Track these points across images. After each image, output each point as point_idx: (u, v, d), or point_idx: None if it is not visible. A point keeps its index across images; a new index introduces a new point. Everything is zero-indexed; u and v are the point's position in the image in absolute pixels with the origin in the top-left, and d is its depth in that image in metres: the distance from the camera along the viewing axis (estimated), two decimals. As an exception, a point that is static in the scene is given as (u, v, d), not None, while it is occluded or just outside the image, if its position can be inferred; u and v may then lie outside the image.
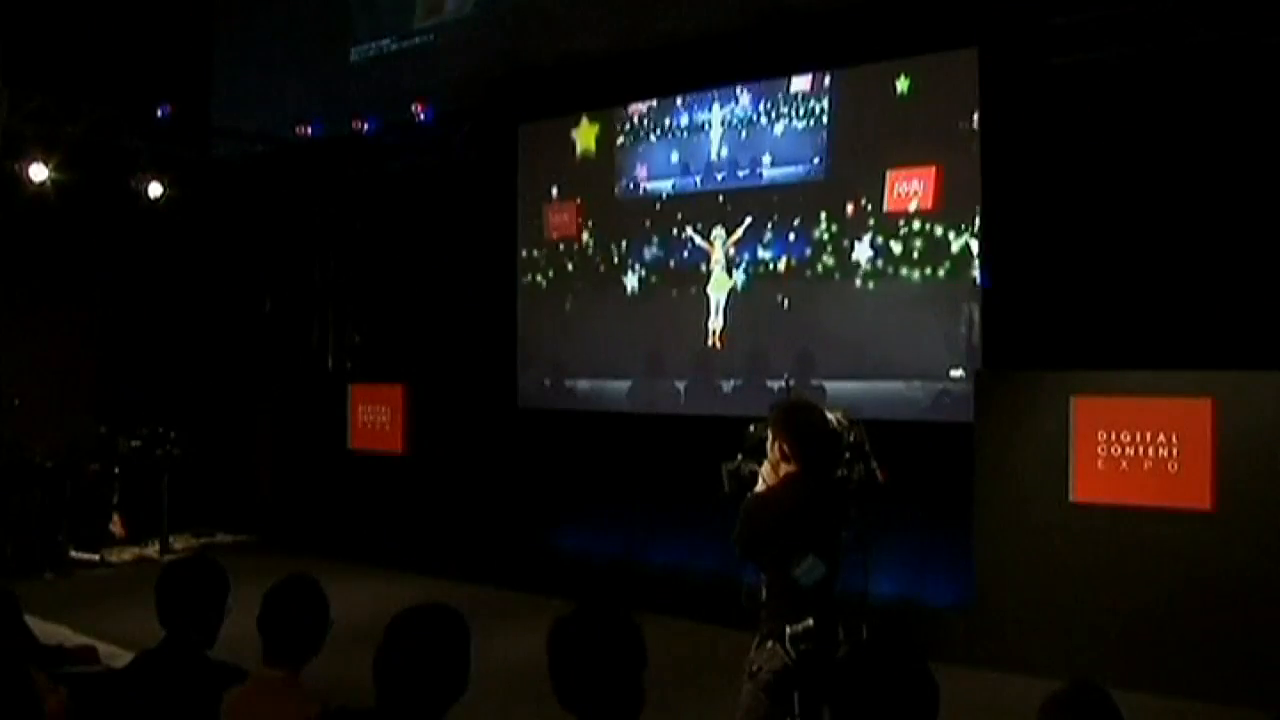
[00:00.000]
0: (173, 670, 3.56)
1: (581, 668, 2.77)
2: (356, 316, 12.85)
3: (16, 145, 11.78)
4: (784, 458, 4.79)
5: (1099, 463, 7.49)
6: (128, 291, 13.10)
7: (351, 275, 12.86)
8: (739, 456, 5.23)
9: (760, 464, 4.95)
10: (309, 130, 12.94)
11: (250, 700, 3.42)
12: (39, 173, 11.93)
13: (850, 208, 9.75)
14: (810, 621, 4.67)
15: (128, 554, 11.89)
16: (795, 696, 4.80)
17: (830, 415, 5.12)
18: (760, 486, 4.90)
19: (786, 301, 10.10)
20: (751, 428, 5.14)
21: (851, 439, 5.32)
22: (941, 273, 9.30)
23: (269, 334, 13.42)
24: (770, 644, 4.74)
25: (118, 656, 6.00)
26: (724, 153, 10.53)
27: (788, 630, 4.68)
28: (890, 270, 9.55)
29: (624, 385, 11.09)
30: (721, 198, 10.51)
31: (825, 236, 9.90)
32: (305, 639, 3.51)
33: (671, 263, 10.83)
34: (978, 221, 9.11)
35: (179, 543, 12.14)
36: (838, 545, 4.90)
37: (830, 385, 9.55)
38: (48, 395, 12.33)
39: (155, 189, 12.71)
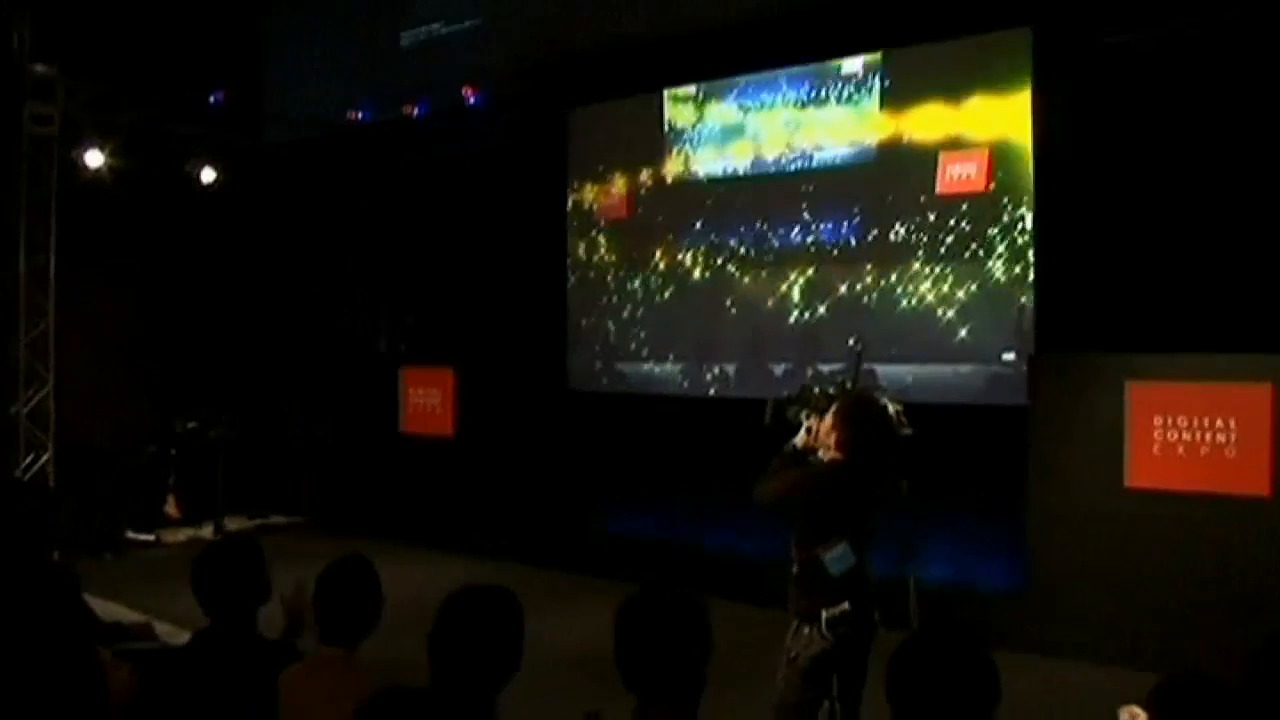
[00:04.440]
0: (229, 648, 3.61)
1: (650, 649, 2.77)
2: (408, 300, 12.91)
3: (74, 133, 11.94)
4: (837, 445, 4.83)
5: (1155, 448, 7.41)
6: (183, 276, 13.23)
7: (403, 259, 12.91)
8: (790, 396, 5.25)
9: (809, 418, 4.98)
10: (360, 115, 13.02)
11: (308, 677, 3.46)
12: (95, 159, 12.08)
13: (902, 190, 9.69)
14: (846, 605, 4.67)
15: (182, 535, 12.04)
16: (833, 680, 4.81)
17: (891, 409, 5.12)
18: (800, 438, 4.96)
19: (838, 285, 10.06)
20: (816, 389, 5.15)
21: (906, 436, 5.30)
22: (994, 255, 9.22)
23: (322, 318, 13.51)
24: (807, 629, 4.75)
25: (174, 635, 6.08)
26: (774, 135, 10.48)
27: (824, 614, 4.69)
28: (942, 253, 9.48)
29: (675, 368, 11.09)
30: (772, 180, 10.47)
31: (876, 219, 9.85)
32: (360, 617, 3.55)
33: (722, 245, 10.80)
34: (1031, 203, 9.02)
35: (233, 524, 12.27)
36: (870, 534, 4.91)
37: (881, 369, 9.49)
38: (105, 379, 12.51)
39: (208, 174, 12.86)
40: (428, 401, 11.90)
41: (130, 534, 11.70)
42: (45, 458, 12.31)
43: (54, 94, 11.92)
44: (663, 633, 2.79)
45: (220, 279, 13.37)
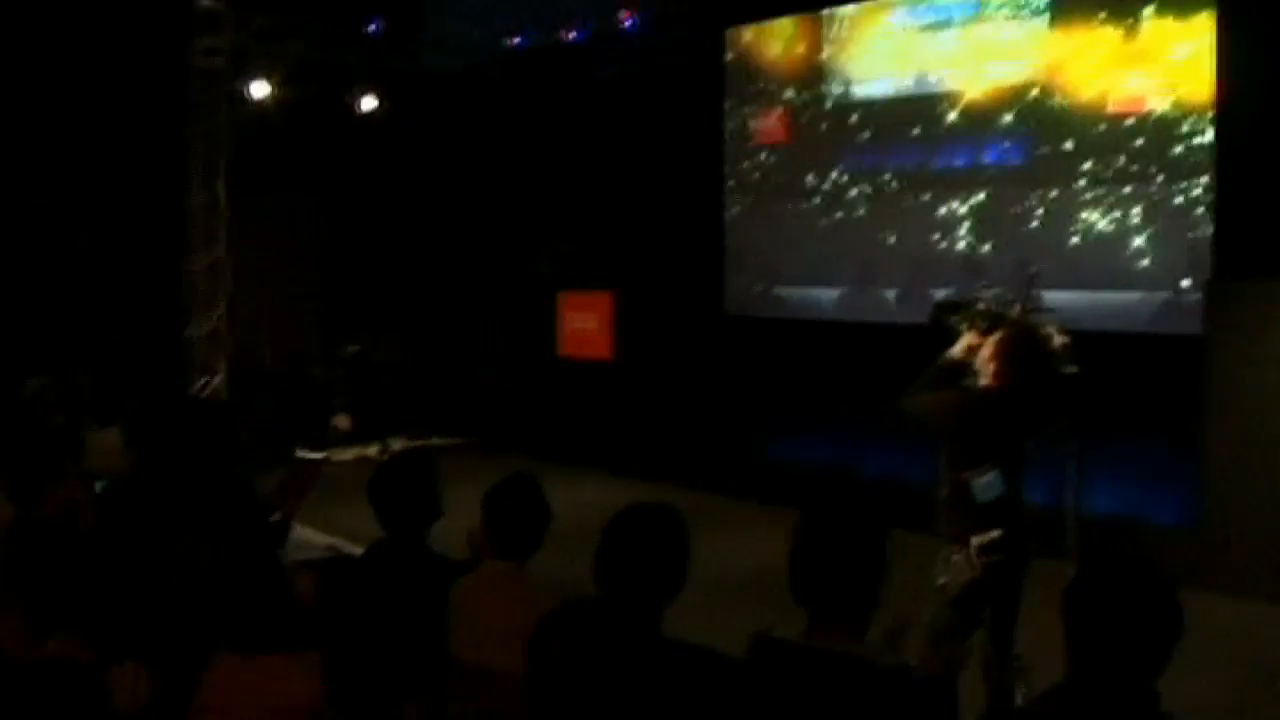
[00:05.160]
0: (403, 560, 3.71)
1: (825, 565, 2.75)
2: (566, 225, 12.97)
3: (241, 64, 12.25)
4: (994, 376, 4.73)
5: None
6: (347, 204, 13.51)
7: (561, 184, 12.96)
8: (955, 302, 5.15)
9: (969, 330, 4.88)
10: (517, 41, 13.05)
11: (479, 589, 3.54)
12: (261, 90, 12.39)
13: (1072, 110, 9.34)
14: (997, 532, 4.58)
15: (349, 454, 12.38)
16: (984, 610, 4.71)
17: (1057, 340, 4.99)
18: (958, 349, 4.88)
19: (1004, 209, 9.78)
20: (981, 304, 5.03)
21: (1069, 373, 5.14)
22: (1171, 176, 8.85)
23: (481, 242, 13.67)
24: (956, 556, 4.67)
25: (345, 549, 6.28)
26: (939, 54, 10.18)
27: (973, 541, 4.60)
28: (1114, 174, 9.13)
29: (834, 293, 10.96)
30: (936, 100, 10.19)
31: (1045, 141, 9.52)
32: (528, 533, 3.62)
33: (883, 168, 10.58)
34: (1211, 123, 8.61)
35: (396, 444, 12.58)
36: (1023, 463, 4.79)
37: (1049, 295, 9.19)
38: (275, 304, 12.90)
39: (369, 103, 13.08)
40: (585, 325, 11.99)
41: (300, 453, 12.07)
42: (218, 379, 12.79)
43: (221, 27, 12.24)
44: (839, 550, 2.76)
45: (382, 206, 13.61)
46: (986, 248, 9.87)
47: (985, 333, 4.90)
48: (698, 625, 3.24)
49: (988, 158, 9.88)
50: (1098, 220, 9.26)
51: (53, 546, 3.41)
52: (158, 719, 2.82)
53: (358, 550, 4.99)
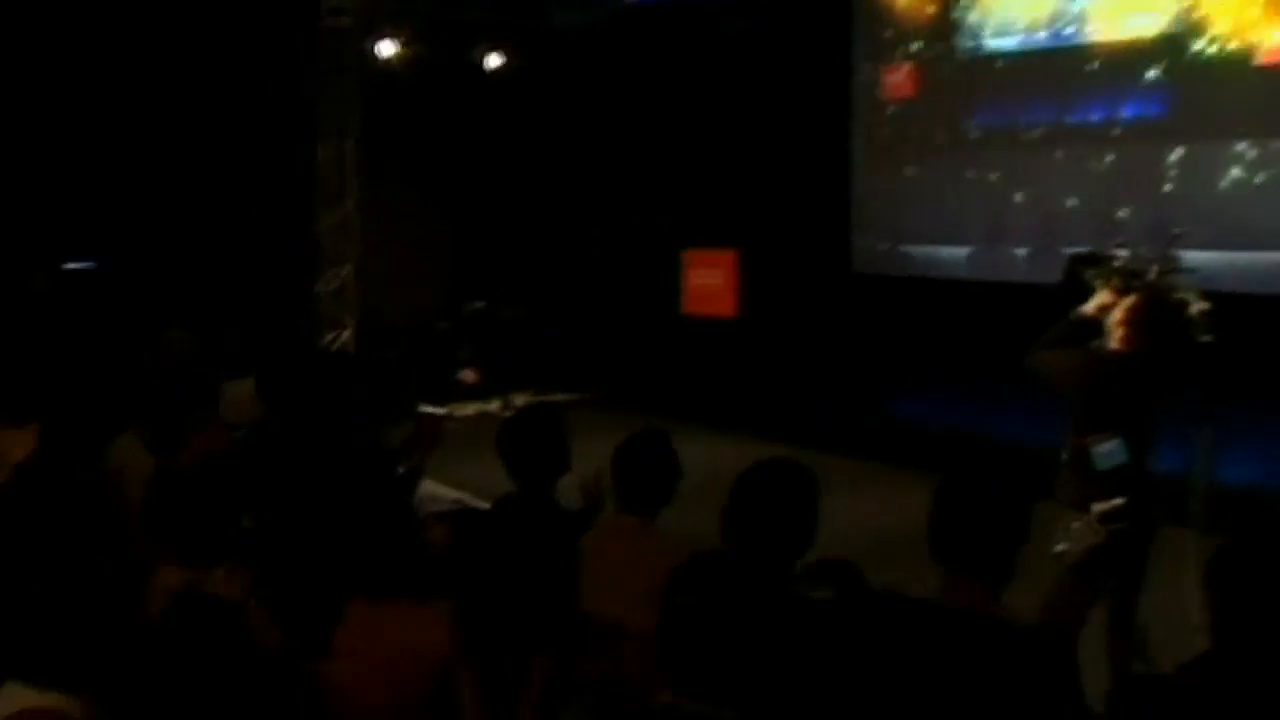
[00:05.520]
0: (532, 513, 3.73)
1: (969, 522, 2.70)
2: (691, 181, 12.90)
3: (369, 23, 12.39)
4: (1124, 341, 4.58)
5: None
6: (474, 160, 13.61)
7: (686, 141, 12.88)
8: (1091, 255, 4.99)
9: (1103, 287, 4.72)
10: (643, -4, 12.99)
11: (609, 542, 3.55)
12: (388, 48, 12.52)
13: (1218, 61, 8.98)
14: (1119, 501, 4.43)
15: (471, 409, 12.52)
16: (1105, 579, 4.57)
17: (1194, 307, 4.80)
18: (1090, 307, 4.72)
19: (1143, 165, 9.47)
20: (1117, 261, 4.86)
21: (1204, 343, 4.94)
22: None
23: (606, 199, 13.68)
24: (1077, 523, 4.53)
25: (471, 503, 6.36)
26: (1074, 5, 9.87)
27: (1095, 508, 4.46)
28: (1261, 129, 8.77)
29: (962, 251, 10.74)
30: (1071, 53, 9.88)
31: (1188, 95, 9.18)
32: (658, 487, 3.62)
33: (1015, 124, 10.31)
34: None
35: (519, 399, 12.69)
36: (1148, 430, 4.63)
37: (1188, 255, 8.90)
38: (402, 260, 13.08)
39: (495, 60, 13.15)
40: (709, 283, 11.95)
41: (424, 408, 12.25)
42: (346, 334, 13.04)
43: (349, -13, 12.41)
44: (986, 512, 2.71)
45: (508, 163, 13.68)
46: (1123, 205, 9.57)
47: (1120, 293, 4.73)
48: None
49: (1125, 112, 9.57)
50: (1240, 177, 8.92)
51: (192, 494, 3.49)
52: (294, 660, 2.87)
53: (484, 504, 5.04)
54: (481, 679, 3.00)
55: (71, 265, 12.21)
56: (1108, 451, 4.49)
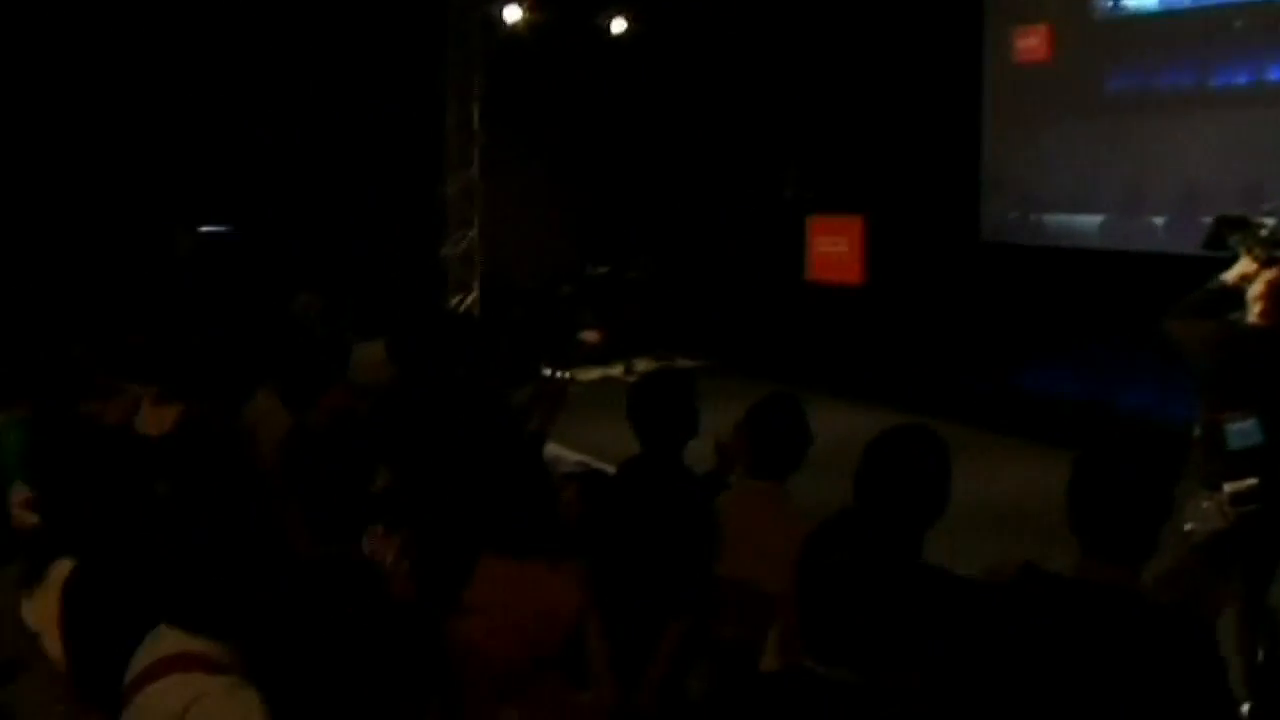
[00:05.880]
0: (661, 476, 3.74)
1: (1109, 498, 2.63)
2: (817, 146, 12.76)
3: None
4: (1263, 315, 4.38)
5: None
6: (598, 125, 13.64)
7: (812, 104, 12.73)
8: (1238, 219, 4.78)
9: (1247, 255, 4.52)
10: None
11: (741, 504, 3.55)
12: (513, 14, 12.59)
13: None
14: (1252, 482, 4.25)
15: (594, 373, 12.60)
16: (1235, 562, 4.40)
17: None
18: (1232, 275, 4.52)
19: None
20: (1264, 230, 4.65)
21: None
22: None
23: (729, 164, 13.60)
24: (1206, 502, 4.36)
25: (596, 466, 6.41)
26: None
27: (1226, 488, 4.29)
28: None
29: (1096, 220, 10.45)
30: (1215, 12, 9.53)
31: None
32: (789, 452, 3.60)
33: (1154, 87, 9.98)
34: None
35: (641, 364, 12.72)
36: None
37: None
38: (526, 223, 13.18)
39: (619, 24, 13.14)
40: (835, 249, 11.83)
41: (547, 370, 12.36)
42: (471, 297, 13.19)
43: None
44: (1128, 484, 2.63)
45: (632, 127, 13.69)
46: (1269, 173, 9.21)
47: (1262, 264, 4.53)
48: (955, 552, 3.17)
49: (1273, 74, 9.20)
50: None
51: (324, 451, 3.56)
52: (427, 615, 2.92)
53: (608, 467, 5.07)
54: (611, 639, 3.01)
55: (207, 229, 12.54)
56: (1242, 430, 4.33)
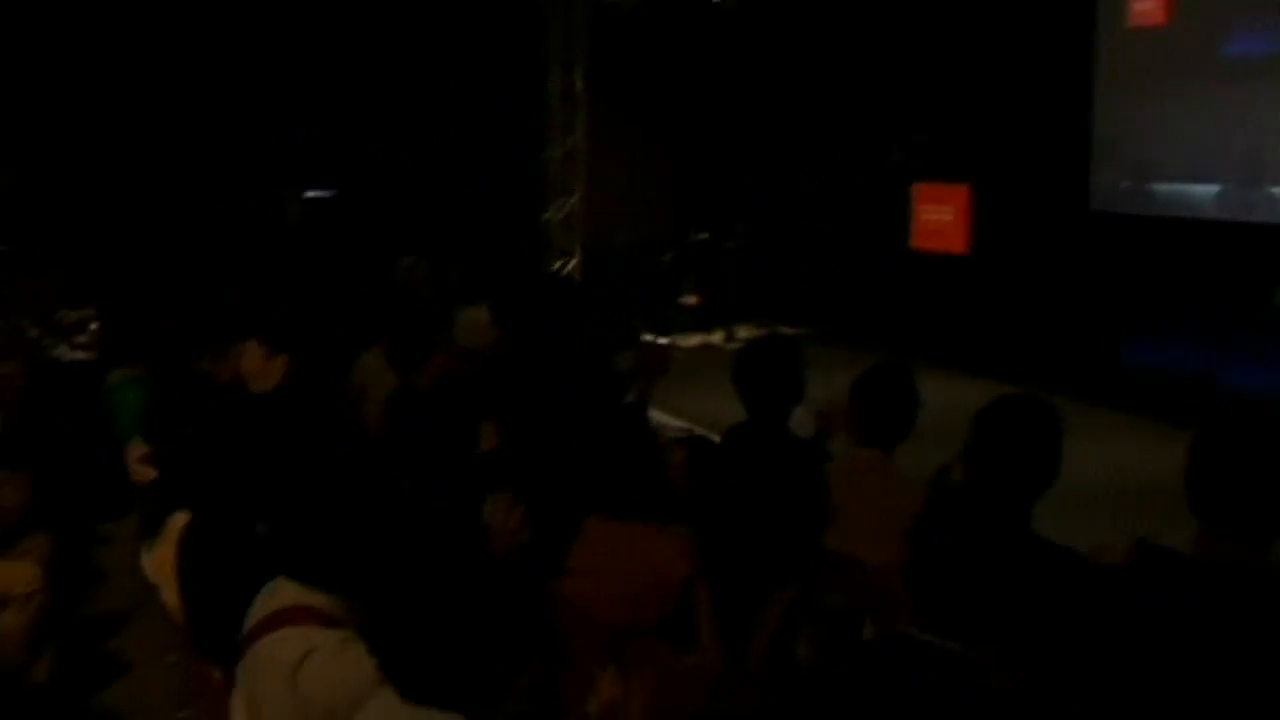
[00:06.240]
0: (768, 442, 3.72)
1: (1232, 475, 2.55)
2: (922, 113, 12.57)
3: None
4: None
5: None
6: (701, 92, 13.58)
7: (917, 70, 12.54)
8: None
9: None
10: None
11: (847, 474, 3.51)
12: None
13: None
14: None
15: (695, 340, 12.59)
16: None
17: None
18: None
19: None
20: None
21: None
22: None
23: (833, 131, 13.46)
24: None
25: (699, 432, 6.40)
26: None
27: None
28: None
29: (1212, 189, 10.15)
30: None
31: None
32: (898, 421, 3.56)
33: (1277, 52, 9.65)
34: None
35: (742, 331, 12.68)
36: None
37: None
38: (628, 190, 13.19)
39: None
40: (940, 218, 11.66)
41: (646, 337, 12.37)
42: (573, 262, 13.25)
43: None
44: (1253, 462, 2.54)
45: (735, 95, 13.60)
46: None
47: None
48: (1063, 526, 3.11)
49: None
50: None
51: (432, 413, 3.61)
52: (531, 572, 2.94)
53: (709, 433, 5.07)
54: (717, 606, 3.01)
55: (313, 194, 12.75)
56: None
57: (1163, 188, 10.52)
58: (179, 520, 3.43)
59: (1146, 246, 10.29)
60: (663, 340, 12.37)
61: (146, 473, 4.27)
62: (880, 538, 2.91)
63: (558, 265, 13.18)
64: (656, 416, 7.03)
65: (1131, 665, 2.52)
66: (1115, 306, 10.37)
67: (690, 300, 12.91)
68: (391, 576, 2.22)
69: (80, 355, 7.72)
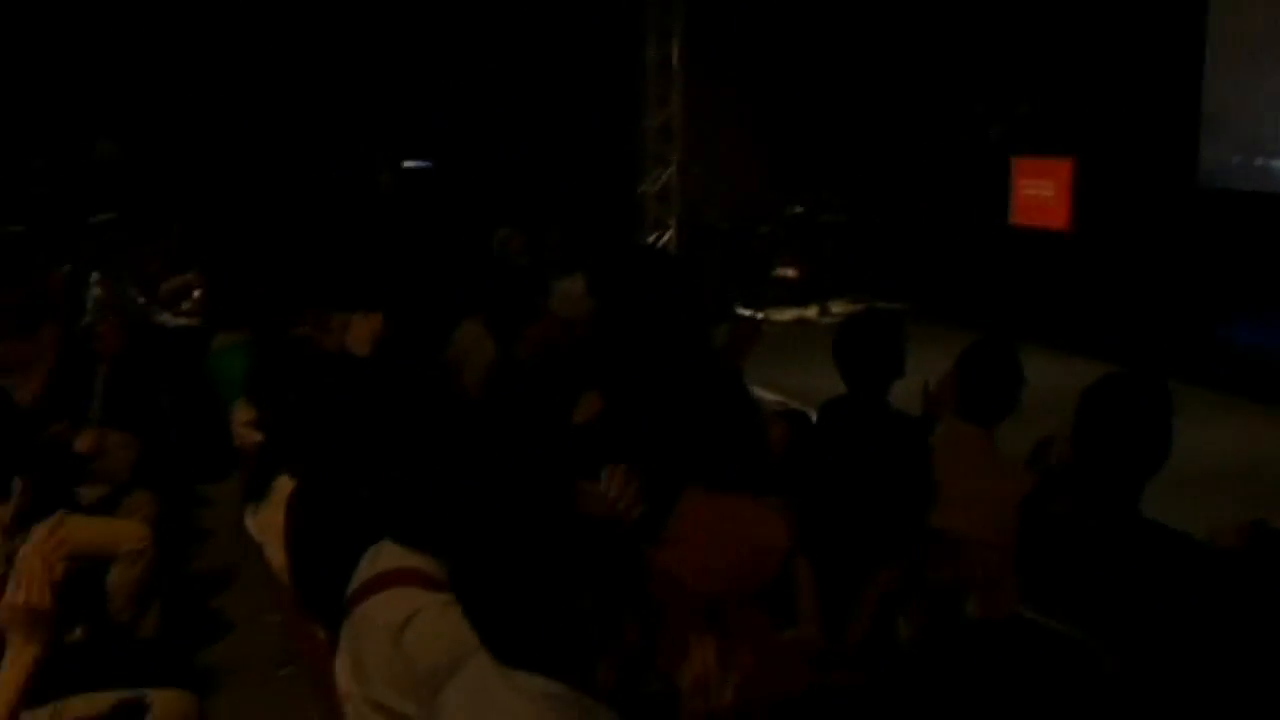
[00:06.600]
0: (870, 417, 3.69)
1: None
2: (1023, 85, 12.31)
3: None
4: None
5: None
6: (798, 64, 13.46)
7: (1019, 40, 12.28)
8: None
9: None
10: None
11: (949, 450, 3.47)
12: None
13: None
14: None
15: (789, 314, 12.52)
16: None
17: None
18: None
19: None
20: None
21: None
22: None
23: (934, 103, 13.26)
24: None
25: (793, 406, 6.37)
26: None
27: None
28: None
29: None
30: None
31: None
32: (1001, 399, 3.51)
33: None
34: None
35: (837, 306, 12.58)
36: None
37: None
38: (724, 163, 13.13)
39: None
40: (1040, 193, 11.45)
41: (741, 310, 12.32)
42: (668, 235, 13.23)
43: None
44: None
45: (832, 66, 13.46)
46: None
47: None
48: (1170, 508, 3.04)
49: None
50: None
51: (531, 381, 3.63)
52: (628, 539, 2.94)
53: (803, 407, 5.03)
54: (819, 578, 2.98)
55: (410, 165, 12.87)
56: None
57: (1276, 164, 10.21)
58: (285, 483, 3.49)
59: (1256, 224, 10.00)
60: (758, 315, 12.33)
61: (251, 436, 4.35)
62: (982, 516, 2.88)
63: (652, 238, 13.17)
64: (755, 391, 7.01)
65: (1249, 651, 2.46)
66: (1223, 285, 10.11)
67: (788, 274, 12.83)
68: (489, 541, 2.23)
69: (184, 321, 7.89)
